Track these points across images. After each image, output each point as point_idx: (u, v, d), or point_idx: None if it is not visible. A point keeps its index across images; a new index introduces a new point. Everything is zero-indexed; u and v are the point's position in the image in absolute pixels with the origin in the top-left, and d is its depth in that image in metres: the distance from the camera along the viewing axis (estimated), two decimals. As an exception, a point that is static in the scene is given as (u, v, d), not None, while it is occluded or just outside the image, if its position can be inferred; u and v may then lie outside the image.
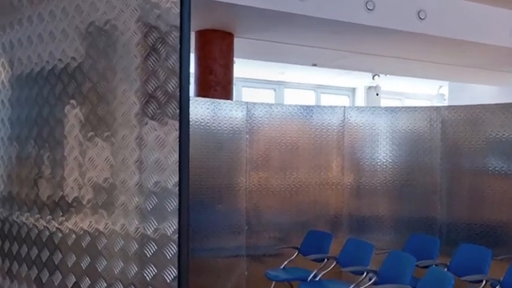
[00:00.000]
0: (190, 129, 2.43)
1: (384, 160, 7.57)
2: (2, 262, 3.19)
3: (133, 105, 2.51)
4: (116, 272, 2.57)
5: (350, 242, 6.70)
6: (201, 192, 6.92)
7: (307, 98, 15.90)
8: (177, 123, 2.37)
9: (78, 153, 2.75)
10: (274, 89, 15.47)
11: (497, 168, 6.89)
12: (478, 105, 7.18)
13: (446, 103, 15.39)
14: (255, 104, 7.43)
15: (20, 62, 3.11)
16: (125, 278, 2.53)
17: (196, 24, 8.21)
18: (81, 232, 2.73)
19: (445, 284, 4.74)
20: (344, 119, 7.74)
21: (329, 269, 6.38)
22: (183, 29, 2.38)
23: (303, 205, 7.59)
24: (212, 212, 7.04)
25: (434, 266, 5.75)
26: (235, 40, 8.79)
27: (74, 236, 2.77)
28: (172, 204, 2.38)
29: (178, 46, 2.38)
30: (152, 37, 2.45)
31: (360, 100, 16.41)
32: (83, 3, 2.77)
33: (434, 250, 6.45)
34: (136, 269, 2.49)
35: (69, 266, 2.78)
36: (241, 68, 11.20)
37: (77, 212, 2.75)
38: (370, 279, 5.82)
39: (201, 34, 8.52)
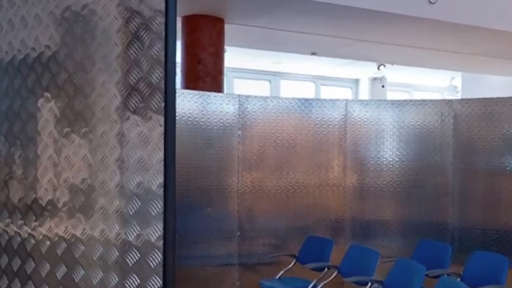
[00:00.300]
0: (177, 125, 2.44)
1: (390, 159, 7.59)
2: (-31, 272, 3.19)
3: (113, 98, 2.52)
4: (94, 283, 2.58)
5: (353, 249, 6.72)
6: (189, 194, 6.92)
7: (306, 91, 15.91)
8: (162, 118, 2.37)
9: (53, 151, 2.76)
10: (269, 80, 15.48)
11: (514, 168, 6.93)
12: (494, 98, 7.20)
13: (459, 96, 15.43)
14: (248, 96, 7.44)
15: (-12, 50, 3.11)
16: (105, 289, 2.54)
17: (183, 8, 8.19)
18: (56, 238, 2.73)
19: (457, 295, 4.76)
20: (346, 113, 7.76)
21: (330, 279, 6.40)
22: (169, 14, 2.39)
23: (301, 208, 7.61)
24: (201, 216, 7.05)
25: (445, 275, 5.78)
26: (227, 26, 8.78)
27: (48, 242, 2.77)
28: (157, 207, 2.38)
29: (163, 33, 2.39)
30: (134, 23, 2.46)
31: (364, 93, 16.44)
32: (58, -15, 2.77)
33: (446, 258, 6.48)
34: (117, 279, 2.50)
35: (43, 275, 2.78)
36: (233, 57, 11.19)
37: (51, 216, 2.76)
38: (375, 290, 5.85)
39: (188, 20, 8.51)
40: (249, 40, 10.48)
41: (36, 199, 2.83)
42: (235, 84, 14.74)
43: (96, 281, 2.57)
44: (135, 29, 2.45)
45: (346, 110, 7.76)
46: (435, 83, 16.90)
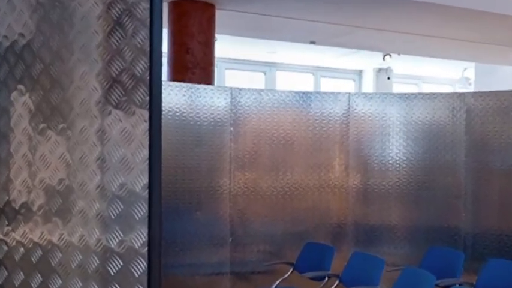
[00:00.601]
0: (163, 121, 2.44)
1: (397, 158, 7.61)
2: None
3: (93, 92, 2.52)
4: (73, 293, 2.58)
5: (356, 256, 6.73)
6: (176, 196, 6.93)
7: (304, 83, 15.93)
8: (146, 113, 2.37)
9: (27, 149, 2.76)
10: (264, 71, 15.49)
11: (532, 167, 6.95)
12: (510, 91, 7.22)
13: (472, 89, 15.47)
14: (240, 89, 7.44)
15: (-45, 39, 3.11)
16: (84, 300, 2.55)
17: (169, -8, 8.21)
18: (31, 245, 2.73)
19: (469, 307, 4.79)
20: (349, 107, 7.77)
21: (330, 289, 6.43)
22: (154, -1, 2.39)
23: (299, 212, 7.62)
24: (189, 221, 7.05)
25: (457, 285, 5.79)
26: (217, 12, 8.78)
27: (22, 249, 2.77)
28: (141, 211, 2.38)
29: (148, 20, 2.38)
30: (117, 9, 2.46)
31: (368, 85, 16.46)
32: (32, -33, 2.77)
33: (458, 266, 6.49)
34: (97, 289, 2.50)
35: (17, 285, 2.78)
36: (225, 47, 11.19)
37: (25, 220, 2.76)
38: (380, 302, 5.87)
39: (175, 5, 8.51)
40: (242, 27, 10.48)
41: (8, 202, 2.83)
42: (227, 76, 14.75)
43: (75, 291, 2.57)
44: (117, 16, 2.45)
45: (348, 104, 7.77)
46: (446, 74, 16.93)
